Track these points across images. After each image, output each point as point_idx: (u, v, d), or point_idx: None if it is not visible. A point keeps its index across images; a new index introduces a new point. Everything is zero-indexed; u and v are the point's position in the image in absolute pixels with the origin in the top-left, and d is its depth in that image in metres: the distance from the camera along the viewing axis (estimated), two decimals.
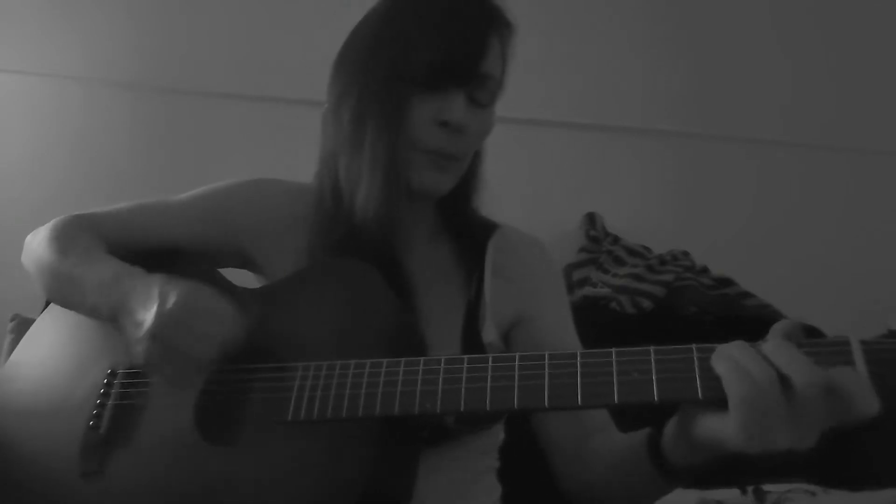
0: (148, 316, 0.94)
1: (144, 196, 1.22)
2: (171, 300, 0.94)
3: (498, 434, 1.17)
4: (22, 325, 1.67)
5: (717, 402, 0.74)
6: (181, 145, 2.25)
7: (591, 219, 2.33)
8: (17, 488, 1.02)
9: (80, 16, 2.24)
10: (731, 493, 1.63)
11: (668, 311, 2.08)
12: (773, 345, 0.74)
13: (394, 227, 1.06)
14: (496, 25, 1.08)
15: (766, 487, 1.63)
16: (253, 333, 0.99)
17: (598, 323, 1.98)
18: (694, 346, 0.77)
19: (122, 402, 1.02)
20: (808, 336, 0.76)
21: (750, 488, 1.64)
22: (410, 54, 1.03)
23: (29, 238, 1.15)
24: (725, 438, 0.74)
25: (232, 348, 0.95)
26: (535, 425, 1.12)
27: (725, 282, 2.16)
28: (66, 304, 1.10)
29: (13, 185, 2.16)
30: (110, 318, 1.00)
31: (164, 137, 2.25)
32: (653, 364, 0.77)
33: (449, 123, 1.04)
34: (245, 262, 1.20)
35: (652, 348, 0.78)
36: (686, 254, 2.23)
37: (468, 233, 1.18)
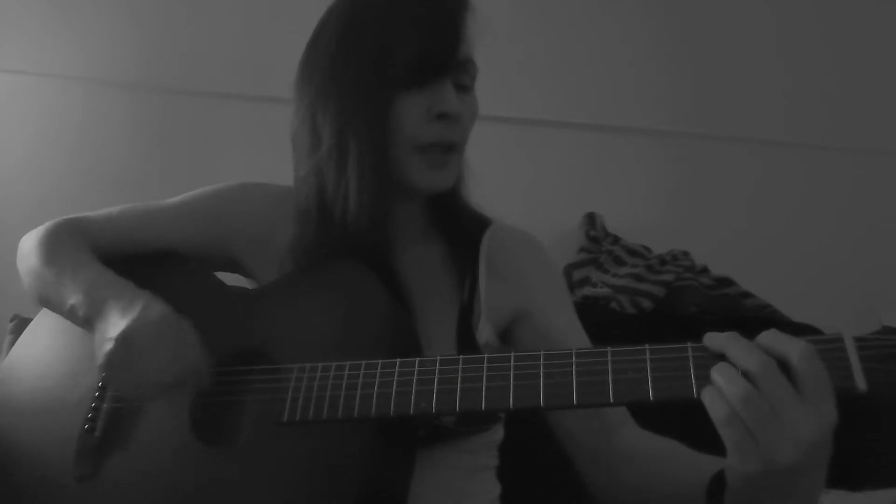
0: (123, 321, 0.95)
1: (144, 196, 1.23)
2: (153, 314, 0.95)
3: (497, 433, 1.16)
4: (22, 326, 1.67)
5: None
6: (181, 145, 2.25)
7: (591, 219, 2.32)
8: (14, 490, 1.02)
9: (80, 16, 2.24)
10: None
11: (668, 311, 2.08)
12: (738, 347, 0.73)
13: (383, 233, 1.05)
14: (465, 7, 1.06)
15: None
16: (237, 331, 1.00)
17: (598, 323, 1.97)
18: (689, 344, 0.76)
19: (117, 405, 1.02)
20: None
21: None
22: (387, 54, 1.01)
23: (22, 240, 1.16)
24: (736, 470, 0.73)
25: (191, 383, 0.96)
26: (553, 426, 1.11)
27: (725, 282, 2.15)
28: (48, 305, 1.11)
29: (13, 185, 2.16)
30: (86, 319, 1.01)
31: (163, 137, 2.25)
32: (648, 362, 0.77)
33: (446, 115, 1.03)
34: (234, 266, 1.20)
35: (647, 346, 0.78)
36: (686, 254, 2.23)
37: (460, 231, 1.17)
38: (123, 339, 0.93)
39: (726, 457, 0.73)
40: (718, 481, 0.80)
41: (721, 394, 0.72)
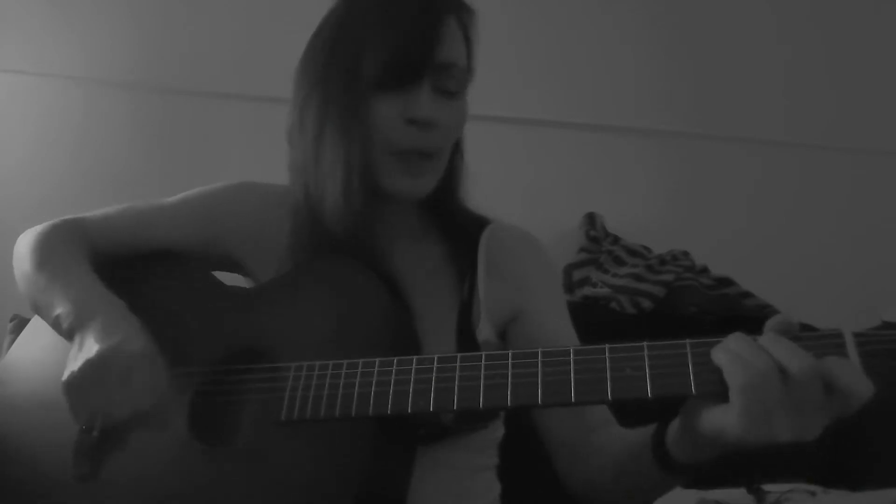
0: (98, 346, 0.94)
1: (144, 196, 1.23)
2: (129, 347, 0.94)
3: (496, 431, 1.16)
4: (21, 326, 1.67)
5: (712, 396, 0.74)
6: (181, 145, 2.25)
7: (591, 219, 2.32)
8: (14, 489, 1.02)
9: (80, 16, 2.24)
10: (731, 493, 1.63)
11: (668, 311, 2.08)
12: (768, 337, 0.74)
13: (367, 232, 1.04)
14: (449, 10, 1.04)
15: (767, 487, 1.63)
16: (235, 330, 1.00)
17: (598, 323, 1.98)
18: (687, 341, 0.77)
19: None
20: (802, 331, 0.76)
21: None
22: (363, 55, 1.00)
23: (19, 240, 1.16)
24: (726, 429, 0.74)
25: (150, 425, 0.96)
26: (536, 422, 1.11)
27: (725, 282, 2.16)
28: (36, 310, 1.10)
29: (13, 185, 2.16)
30: (69, 331, 1.00)
31: (163, 137, 2.25)
32: (646, 360, 0.77)
33: (416, 120, 1.02)
34: (233, 265, 1.20)
35: (645, 344, 0.78)
36: (686, 254, 2.23)
37: (458, 230, 1.16)
38: (91, 364, 0.93)
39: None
40: (661, 431, 0.84)
41: (746, 361, 0.73)
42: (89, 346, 0.95)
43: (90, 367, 0.93)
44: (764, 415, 0.71)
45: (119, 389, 0.93)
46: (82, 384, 0.94)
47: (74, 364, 0.94)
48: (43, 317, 1.07)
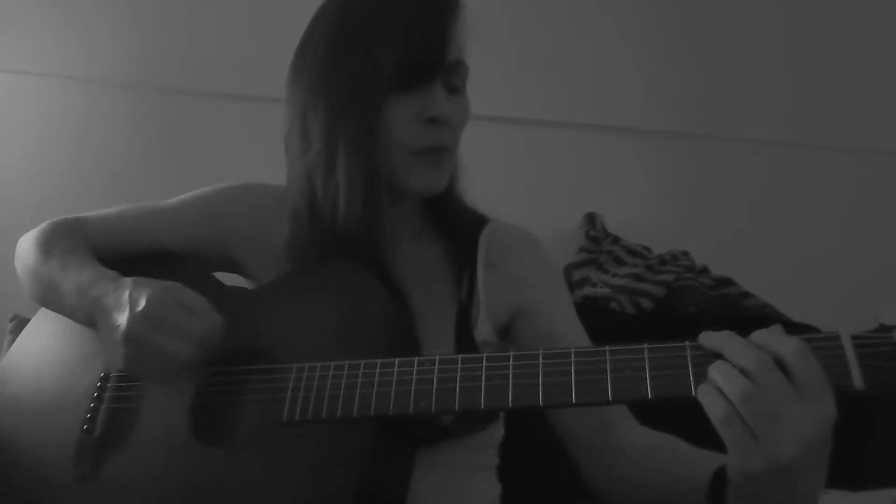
0: (121, 319, 0.94)
1: (144, 196, 1.23)
2: (142, 301, 0.93)
3: (496, 431, 1.16)
4: (21, 326, 1.67)
5: None
6: (181, 145, 2.25)
7: (591, 219, 2.32)
8: (14, 490, 1.02)
9: (80, 16, 2.24)
10: None
11: (668, 311, 2.08)
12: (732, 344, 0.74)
13: (376, 234, 1.04)
14: (452, 8, 1.05)
15: None
16: (236, 331, 0.98)
17: (598, 323, 1.97)
18: (687, 342, 0.77)
19: (116, 405, 1.02)
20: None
21: None
22: (375, 58, 1.00)
23: (20, 241, 1.16)
24: (731, 463, 0.74)
25: (209, 343, 0.94)
26: (553, 422, 1.11)
27: (725, 282, 2.16)
28: (48, 307, 1.11)
29: (13, 185, 2.17)
30: (86, 322, 1.00)
31: (164, 137, 2.25)
32: (646, 361, 0.77)
33: (437, 119, 1.02)
34: (233, 266, 1.20)
35: (646, 345, 0.78)
36: (686, 254, 2.23)
37: (457, 229, 1.16)
38: (128, 339, 0.93)
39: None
40: (720, 478, 0.81)
41: (719, 392, 0.72)
42: (115, 326, 0.94)
43: (129, 342, 0.93)
44: (750, 438, 0.71)
45: (164, 337, 0.92)
46: (136, 360, 0.93)
47: (119, 351, 0.94)
48: (56, 311, 1.08)
